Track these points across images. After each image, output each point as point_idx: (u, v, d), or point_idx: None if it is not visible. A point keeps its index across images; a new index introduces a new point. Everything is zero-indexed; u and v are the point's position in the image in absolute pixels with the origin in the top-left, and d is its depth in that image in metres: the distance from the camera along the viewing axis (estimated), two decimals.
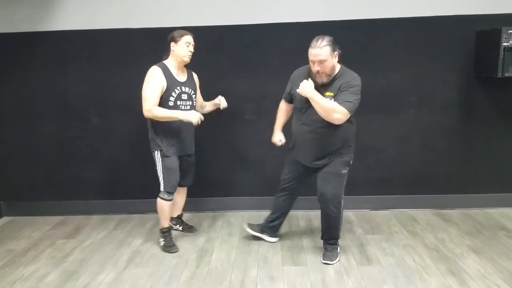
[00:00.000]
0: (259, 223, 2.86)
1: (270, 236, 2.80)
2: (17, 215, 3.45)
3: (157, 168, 2.64)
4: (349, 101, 2.23)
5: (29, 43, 3.17)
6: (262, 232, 2.78)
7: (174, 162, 2.63)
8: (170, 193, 2.66)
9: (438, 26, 3.04)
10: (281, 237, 2.91)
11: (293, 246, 2.77)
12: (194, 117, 2.49)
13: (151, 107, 2.48)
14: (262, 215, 3.28)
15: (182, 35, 2.54)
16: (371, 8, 3.03)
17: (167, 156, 2.60)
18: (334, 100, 2.26)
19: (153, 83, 2.50)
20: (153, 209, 3.38)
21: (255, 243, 2.82)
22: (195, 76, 2.77)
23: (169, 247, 2.73)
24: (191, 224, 3.08)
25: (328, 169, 2.42)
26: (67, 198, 3.43)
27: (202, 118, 2.53)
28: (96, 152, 3.34)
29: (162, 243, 2.75)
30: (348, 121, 2.33)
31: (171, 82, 2.55)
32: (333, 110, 2.22)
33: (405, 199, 3.31)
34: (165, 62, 2.59)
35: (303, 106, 2.36)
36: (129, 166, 3.35)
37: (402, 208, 3.31)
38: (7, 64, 3.22)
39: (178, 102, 2.57)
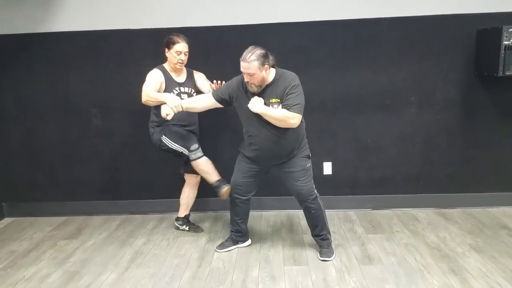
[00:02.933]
0: (226, 237, 2.82)
1: (244, 242, 2.79)
2: (19, 216, 3.46)
3: (172, 146, 2.69)
4: (298, 103, 2.31)
5: (31, 44, 3.18)
6: (236, 243, 2.76)
7: (178, 128, 2.71)
8: (196, 150, 2.67)
9: (439, 24, 3.03)
10: (282, 236, 2.91)
11: (294, 245, 2.77)
12: (171, 101, 2.45)
13: (147, 91, 2.56)
14: (263, 215, 3.30)
15: (175, 43, 2.60)
16: (371, 7, 3.03)
17: (172, 131, 2.69)
18: (282, 105, 2.33)
19: (152, 78, 2.62)
20: (155, 210, 3.43)
21: (257, 242, 2.82)
22: (195, 74, 2.82)
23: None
24: (198, 224, 3.09)
25: (294, 168, 2.47)
26: (69, 198, 3.43)
27: (180, 108, 2.45)
28: (98, 152, 3.35)
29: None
30: None
31: (170, 82, 2.65)
32: (287, 118, 2.30)
33: (406, 198, 3.31)
34: (164, 65, 2.72)
35: (251, 118, 2.40)
36: (131, 166, 3.35)
37: (403, 207, 3.31)
38: (9, 65, 3.23)
39: None
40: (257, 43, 3.00)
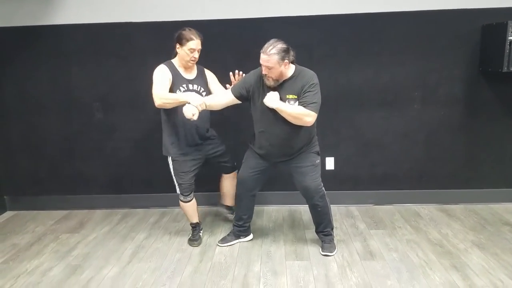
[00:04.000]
0: (228, 231, 2.82)
1: (246, 236, 2.79)
2: (21, 209, 3.47)
3: (171, 171, 2.66)
4: (315, 102, 2.30)
5: (32, 37, 3.16)
6: (238, 238, 2.76)
7: (183, 164, 2.59)
8: (185, 195, 2.67)
9: (444, 20, 3.00)
10: (284, 231, 2.91)
11: (296, 240, 2.77)
12: (194, 99, 2.32)
13: (158, 92, 2.39)
14: (265, 210, 3.30)
15: (187, 40, 2.43)
16: (375, 2, 3.00)
17: (176, 160, 2.60)
18: (299, 102, 2.31)
19: (160, 77, 2.46)
20: (157, 204, 3.43)
21: (258, 237, 2.82)
22: (207, 72, 2.67)
23: (192, 241, 2.78)
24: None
25: (303, 164, 2.46)
26: (71, 192, 3.44)
27: (204, 106, 2.35)
28: (99, 147, 3.35)
29: (189, 236, 2.83)
30: None
31: (178, 79, 2.50)
32: (304, 115, 2.28)
33: (408, 194, 3.30)
34: (172, 61, 2.55)
35: (265, 114, 2.38)
36: (132, 161, 3.35)
37: (405, 203, 3.30)
38: (10, 59, 3.22)
39: None
40: (259, 38, 2.97)
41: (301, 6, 3.03)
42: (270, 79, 2.30)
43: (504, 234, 2.75)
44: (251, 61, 3.10)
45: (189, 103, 2.33)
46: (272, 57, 2.22)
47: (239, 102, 2.48)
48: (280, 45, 2.25)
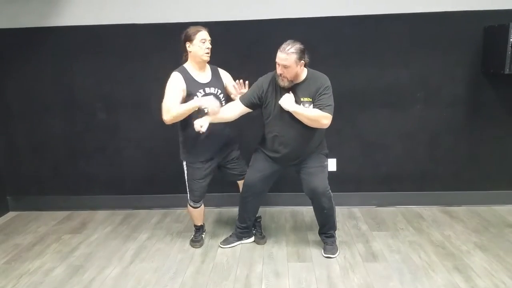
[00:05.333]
0: (230, 233, 2.80)
1: (248, 238, 2.77)
2: (24, 209, 3.48)
3: (185, 176, 2.62)
4: (330, 104, 2.32)
5: (36, 38, 3.18)
6: (240, 239, 2.75)
7: (198, 171, 2.53)
8: (196, 201, 2.65)
9: (446, 21, 3.01)
10: (286, 233, 2.91)
11: (298, 242, 2.77)
12: (210, 103, 2.25)
13: (168, 107, 2.30)
14: (267, 211, 3.29)
15: (196, 32, 2.35)
16: (378, 3, 3.01)
17: (191, 166, 2.55)
18: (314, 105, 2.33)
19: (172, 91, 2.34)
20: (159, 205, 3.43)
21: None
22: (222, 72, 2.58)
23: (194, 242, 2.76)
24: (264, 234, 2.83)
25: (312, 164, 2.46)
26: (74, 193, 3.45)
27: (217, 109, 2.28)
28: (102, 147, 3.36)
29: (191, 237, 2.81)
30: None
31: (193, 86, 2.39)
32: (321, 117, 2.29)
33: (411, 195, 3.29)
34: (185, 65, 2.44)
35: (279, 118, 2.38)
36: (135, 161, 3.36)
37: (408, 204, 3.30)
38: (14, 59, 3.23)
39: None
40: (262, 39, 2.98)
41: (304, 8, 3.04)
42: (285, 79, 2.30)
43: (507, 236, 2.74)
44: (254, 63, 3.13)
45: (203, 108, 2.28)
46: (291, 56, 2.23)
47: (250, 110, 2.47)
48: (298, 45, 2.27)
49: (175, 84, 2.35)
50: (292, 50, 2.24)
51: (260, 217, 2.82)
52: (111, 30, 3.12)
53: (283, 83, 2.31)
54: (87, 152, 3.37)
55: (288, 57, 2.23)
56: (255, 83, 2.47)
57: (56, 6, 3.12)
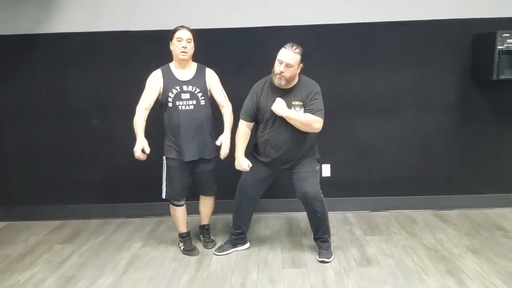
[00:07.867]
0: (224, 240, 2.81)
1: (243, 245, 2.77)
2: (14, 219, 3.41)
3: (163, 174, 2.64)
4: (321, 109, 2.39)
5: (31, 44, 3.15)
6: (234, 246, 2.74)
7: (176, 169, 2.58)
8: (174, 200, 2.65)
9: (436, 29, 3.07)
10: (281, 239, 2.91)
11: (293, 248, 2.77)
12: (136, 149, 2.47)
13: (138, 109, 2.52)
14: (262, 218, 3.29)
15: (174, 32, 2.47)
16: (370, 11, 3.06)
17: (169, 162, 2.59)
18: (305, 109, 2.38)
19: (148, 86, 2.54)
20: (153, 213, 3.40)
21: (255, 245, 2.82)
22: (208, 73, 2.60)
23: (190, 250, 2.72)
24: (213, 238, 2.89)
25: (304, 169, 2.49)
26: (66, 202, 3.40)
27: (146, 151, 2.47)
28: (96, 155, 3.33)
29: (182, 248, 2.76)
30: None
31: (170, 82, 2.50)
32: (313, 122, 2.36)
33: (404, 200, 3.33)
34: (170, 63, 2.58)
35: (271, 123, 2.42)
36: (129, 169, 3.32)
37: (401, 209, 3.32)
38: (8, 66, 3.20)
39: (177, 103, 2.50)
40: (258, 46, 3.01)
41: (299, 16, 3.07)
42: (283, 79, 2.33)
43: (498, 239, 2.79)
44: (249, 70, 3.14)
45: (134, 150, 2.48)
46: (296, 56, 2.30)
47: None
48: (301, 49, 2.34)
49: (149, 82, 2.54)
50: (298, 50, 2.32)
51: (208, 225, 2.88)
52: (106, 37, 3.12)
53: (280, 81, 2.34)
54: (80, 160, 3.34)
55: (294, 56, 2.29)
56: (249, 94, 2.51)
57: (51, 13, 3.11)
